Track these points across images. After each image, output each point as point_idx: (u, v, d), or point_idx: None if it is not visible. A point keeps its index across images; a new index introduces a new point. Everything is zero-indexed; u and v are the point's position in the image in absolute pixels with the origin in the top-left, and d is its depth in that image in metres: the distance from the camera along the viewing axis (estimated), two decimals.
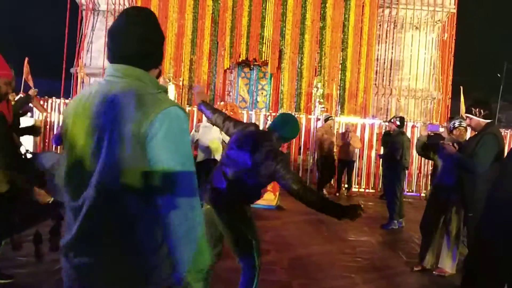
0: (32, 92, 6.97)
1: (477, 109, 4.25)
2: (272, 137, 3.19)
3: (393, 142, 7.34)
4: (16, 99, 6.55)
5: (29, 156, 3.54)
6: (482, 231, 3.34)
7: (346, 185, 10.56)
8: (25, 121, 6.18)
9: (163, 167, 1.46)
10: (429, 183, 11.04)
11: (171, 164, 1.46)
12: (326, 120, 9.97)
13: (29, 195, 3.29)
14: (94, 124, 1.51)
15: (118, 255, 1.51)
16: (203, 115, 3.99)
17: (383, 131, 10.40)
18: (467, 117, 4.38)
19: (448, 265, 4.88)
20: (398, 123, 7.52)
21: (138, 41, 1.58)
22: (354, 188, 10.89)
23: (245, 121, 11.24)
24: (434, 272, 4.92)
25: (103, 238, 1.51)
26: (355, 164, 10.67)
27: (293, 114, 2.98)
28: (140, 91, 1.52)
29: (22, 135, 4.39)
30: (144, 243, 1.52)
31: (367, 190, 11.09)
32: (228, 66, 14.53)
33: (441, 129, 5.87)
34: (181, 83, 13.61)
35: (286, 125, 3.27)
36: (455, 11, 15.49)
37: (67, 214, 1.63)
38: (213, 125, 3.72)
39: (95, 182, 1.48)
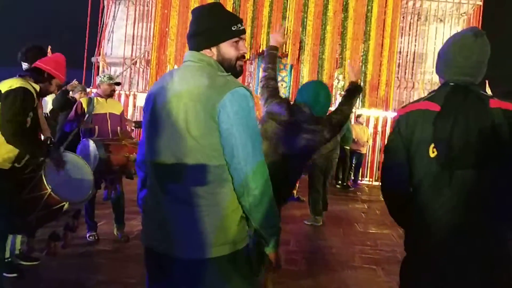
0: (70, 86, 6.74)
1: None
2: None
3: None
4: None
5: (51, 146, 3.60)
6: None
7: (352, 177, 10.45)
8: None
9: (235, 140, 1.67)
10: None
11: (243, 137, 1.67)
12: None
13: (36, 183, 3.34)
14: (182, 104, 1.73)
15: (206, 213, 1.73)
16: None
17: None
18: None
19: None
20: None
21: (194, 23, 1.86)
22: (365, 181, 10.81)
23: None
24: None
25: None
26: (364, 156, 10.61)
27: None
28: (212, 73, 1.76)
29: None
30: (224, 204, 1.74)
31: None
32: (249, 57, 14.45)
33: None
34: None
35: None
36: (481, 3, 15.10)
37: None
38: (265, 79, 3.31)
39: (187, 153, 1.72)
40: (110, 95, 5.01)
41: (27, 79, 3.45)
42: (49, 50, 11.07)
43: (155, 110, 1.83)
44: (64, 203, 3.40)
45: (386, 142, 1.90)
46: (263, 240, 1.81)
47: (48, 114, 6.87)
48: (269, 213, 1.75)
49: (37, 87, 3.48)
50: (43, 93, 3.59)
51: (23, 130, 3.29)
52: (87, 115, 4.81)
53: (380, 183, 2.04)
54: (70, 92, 7.28)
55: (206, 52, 1.84)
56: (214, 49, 1.84)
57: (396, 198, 1.92)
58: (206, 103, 1.68)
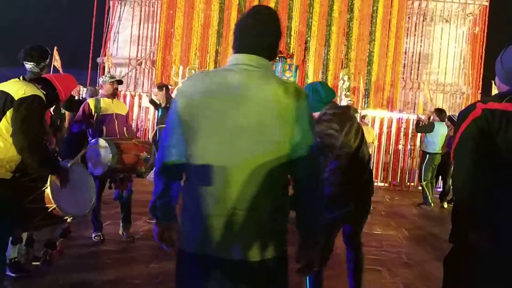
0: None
1: None
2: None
3: None
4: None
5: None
6: None
7: None
8: None
9: (304, 140, 1.74)
10: None
11: (310, 136, 1.77)
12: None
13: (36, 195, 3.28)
14: (254, 109, 1.72)
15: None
16: None
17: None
18: None
19: None
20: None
21: (270, 35, 1.83)
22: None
23: None
24: None
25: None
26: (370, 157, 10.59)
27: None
28: (277, 79, 1.79)
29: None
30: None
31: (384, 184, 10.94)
32: None
33: None
34: None
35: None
36: (487, 3, 15.03)
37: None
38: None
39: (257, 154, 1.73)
40: (114, 94, 5.02)
41: (36, 86, 3.21)
42: (55, 51, 11.16)
43: (204, 113, 1.76)
44: (67, 217, 3.35)
45: (463, 132, 1.89)
46: (308, 238, 1.95)
47: (52, 112, 6.89)
48: (321, 212, 1.93)
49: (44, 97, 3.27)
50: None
51: (38, 142, 3.07)
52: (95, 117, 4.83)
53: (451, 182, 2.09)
54: (84, 93, 7.37)
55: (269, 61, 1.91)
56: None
57: (473, 191, 1.92)
58: (284, 109, 1.72)
